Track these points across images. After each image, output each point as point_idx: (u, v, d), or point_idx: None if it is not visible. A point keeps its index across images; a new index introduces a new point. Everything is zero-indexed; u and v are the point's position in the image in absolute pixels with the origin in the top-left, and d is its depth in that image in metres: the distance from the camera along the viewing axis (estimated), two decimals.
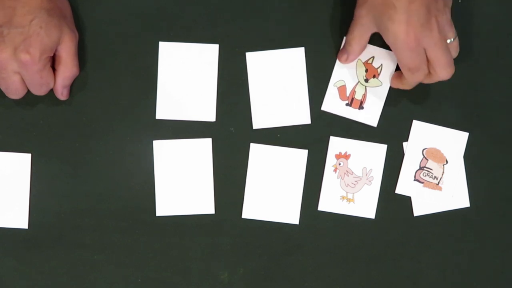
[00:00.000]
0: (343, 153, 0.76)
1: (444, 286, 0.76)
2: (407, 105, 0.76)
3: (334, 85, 0.75)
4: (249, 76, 0.75)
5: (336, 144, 0.75)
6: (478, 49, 0.77)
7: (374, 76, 0.74)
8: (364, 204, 0.76)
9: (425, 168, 0.76)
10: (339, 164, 0.76)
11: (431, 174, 0.76)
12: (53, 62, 0.71)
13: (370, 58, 0.75)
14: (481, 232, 0.76)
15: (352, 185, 0.76)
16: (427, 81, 0.72)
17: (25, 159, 0.74)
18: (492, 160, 0.76)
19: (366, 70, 0.75)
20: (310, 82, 0.75)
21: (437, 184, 0.76)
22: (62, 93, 0.72)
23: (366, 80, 0.75)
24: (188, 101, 0.75)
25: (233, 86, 0.75)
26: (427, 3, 0.68)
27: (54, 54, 0.70)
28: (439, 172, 0.76)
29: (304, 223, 0.75)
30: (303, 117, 0.75)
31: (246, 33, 0.75)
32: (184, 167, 0.75)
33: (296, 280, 0.75)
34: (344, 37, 0.74)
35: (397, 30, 0.68)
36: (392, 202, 0.76)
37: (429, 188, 0.76)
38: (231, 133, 0.75)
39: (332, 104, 0.75)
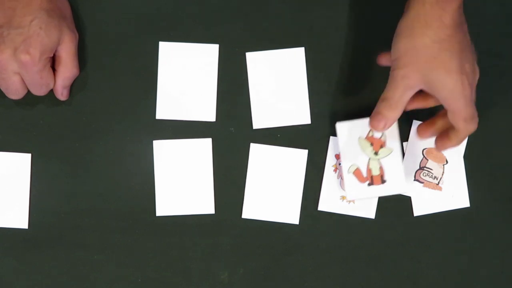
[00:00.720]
0: None
1: (444, 286, 0.76)
2: None
3: (348, 172, 0.72)
4: (249, 76, 0.75)
5: (336, 144, 0.75)
6: (478, 49, 0.76)
7: (381, 146, 0.72)
8: (364, 204, 0.76)
9: (425, 168, 0.76)
10: (339, 164, 0.75)
11: (431, 174, 0.76)
12: (53, 63, 0.71)
13: (369, 132, 0.72)
14: (481, 232, 0.76)
15: None
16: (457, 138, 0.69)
17: (25, 159, 0.74)
18: (492, 160, 0.76)
19: (371, 144, 0.72)
20: (310, 82, 0.75)
21: (437, 184, 0.76)
22: (62, 94, 0.72)
23: (376, 154, 0.72)
24: (188, 101, 0.75)
25: (233, 86, 0.75)
26: (471, 50, 0.68)
27: (54, 55, 0.70)
28: (439, 172, 0.76)
29: (304, 223, 0.75)
30: (303, 117, 0.75)
31: (246, 33, 0.75)
32: (184, 167, 0.75)
33: (296, 280, 0.75)
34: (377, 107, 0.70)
35: (455, 82, 0.65)
36: (392, 202, 0.76)
37: (429, 188, 0.76)
38: (231, 133, 0.75)
39: (355, 190, 0.72)
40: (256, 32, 0.75)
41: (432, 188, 0.76)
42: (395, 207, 0.76)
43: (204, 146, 0.75)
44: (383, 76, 0.76)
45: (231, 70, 0.75)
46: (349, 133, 0.73)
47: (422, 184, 0.76)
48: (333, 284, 0.75)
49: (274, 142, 0.75)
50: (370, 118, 0.70)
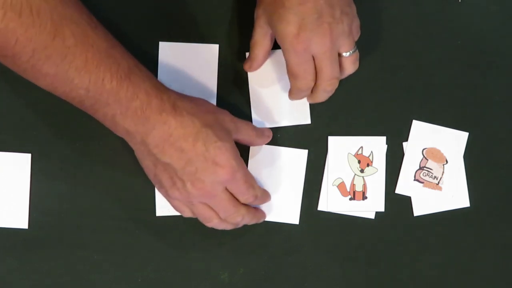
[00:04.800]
0: None
1: (444, 286, 0.76)
2: (407, 105, 0.76)
3: (333, 185, 0.75)
4: (249, 76, 0.75)
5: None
6: (478, 49, 0.77)
7: (368, 165, 0.75)
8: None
9: (425, 168, 0.76)
10: None
11: (431, 174, 0.76)
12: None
13: (359, 149, 0.75)
14: (481, 232, 0.76)
15: None
16: (309, 93, 0.71)
17: (25, 159, 0.74)
18: (492, 160, 0.76)
19: (359, 162, 0.75)
20: None
21: (437, 184, 0.76)
22: (264, 135, 0.73)
23: (362, 171, 0.75)
24: None
25: (233, 86, 0.75)
26: (320, 8, 0.65)
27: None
28: (439, 172, 0.76)
29: (304, 223, 0.75)
30: (303, 117, 0.75)
31: (246, 33, 0.75)
32: None
33: (296, 280, 0.75)
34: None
35: (286, 31, 0.65)
36: (392, 202, 0.76)
37: (429, 188, 0.76)
38: None
39: (336, 203, 0.75)
40: None
41: (432, 188, 0.76)
42: (395, 207, 0.76)
43: None
44: (383, 76, 0.76)
45: (231, 70, 0.75)
46: (340, 148, 0.75)
47: (422, 184, 0.76)
48: (333, 284, 0.75)
49: (274, 142, 0.75)
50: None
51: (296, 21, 0.65)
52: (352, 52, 0.69)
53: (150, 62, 0.75)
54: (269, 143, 0.75)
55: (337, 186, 0.75)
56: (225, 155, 0.65)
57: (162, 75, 0.75)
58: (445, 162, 0.76)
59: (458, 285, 0.76)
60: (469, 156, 0.76)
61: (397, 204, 0.76)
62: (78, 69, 0.60)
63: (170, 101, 0.65)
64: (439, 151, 0.76)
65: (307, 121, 0.75)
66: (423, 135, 0.76)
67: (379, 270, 0.75)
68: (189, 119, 0.65)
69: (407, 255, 0.76)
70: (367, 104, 0.76)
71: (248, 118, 0.75)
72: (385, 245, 0.76)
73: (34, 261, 0.74)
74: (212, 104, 0.71)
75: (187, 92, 0.75)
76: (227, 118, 0.69)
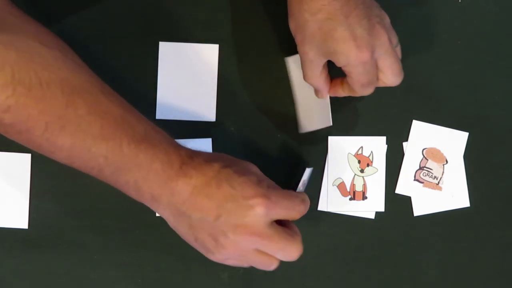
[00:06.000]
0: None
1: (444, 286, 0.76)
2: (407, 105, 0.76)
3: (333, 185, 0.75)
4: (250, 76, 0.75)
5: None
6: (478, 49, 0.77)
7: (368, 165, 0.75)
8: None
9: (425, 168, 0.76)
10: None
11: (431, 174, 0.76)
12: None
13: (359, 149, 0.75)
14: (481, 232, 0.76)
15: None
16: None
17: (25, 159, 0.74)
18: (492, 160, 0.76)
19: (359, 162, 0.75)
20: None
21: (437, 184, 0.76)
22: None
23: (362, 171, 0.75)
24: (188, 101, 0.75)
25: (233, 86, 0.75)
26: (364, 12, 0.64)
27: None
28: (439, 172, 0.76)
29: (304, 223, 0.75)
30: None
31: (246, 33, 0.75)
32: None
33: (296, 280, 0.75)
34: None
35: (347, 49, 0.63)
36: (392, 202, 0.76)
37: (429, 188, 0.76)
38: (231, 133, 0.75)
39: (336, 203, 0.75)
40: (256, 32, 0.75)
41: (432, 188, 0.76)
42: (395, 207, 0.76)
43: (204, 146, 0.75)
44: None
45: (231, 70, 0.75)
46: (340, 148, 0.75)
47: (422, 184, 0.76)
48: (333, 284, 0.75)
49: (275, 141, 0.75)
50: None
51: (350, 35, 0.63)
52: (397, 43, 0.68)
53: (150, 62, 0.75)
54: (269, 142, 0.75)
55: (337, 186, 0.75)
56: (251, 187, 0.62)
57: (162, 75, 0.75)
58: (445, 162, 0.76)
59: (458, 285, 0.76)
60: (469, 156, 0.76)
61: (397, 204, 0.76)
62: (94, 137, 0.60)
63: (188, 154, 0.64)
64: (439, 151, 0.76)
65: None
66: (423, 135, 0.76)
67: (379, 270, 0.75)
68: (208, 164, 0.63)
69: (407, 255, 0.76)
70: (367, 104, 0.76)
71: (248, 118, 0.75)
72: (385, 245, 0.76)
73: (34, 261, 0.74)
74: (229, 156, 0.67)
75: (187, 92, 0.75)
76: (245, 163, 0.67)
